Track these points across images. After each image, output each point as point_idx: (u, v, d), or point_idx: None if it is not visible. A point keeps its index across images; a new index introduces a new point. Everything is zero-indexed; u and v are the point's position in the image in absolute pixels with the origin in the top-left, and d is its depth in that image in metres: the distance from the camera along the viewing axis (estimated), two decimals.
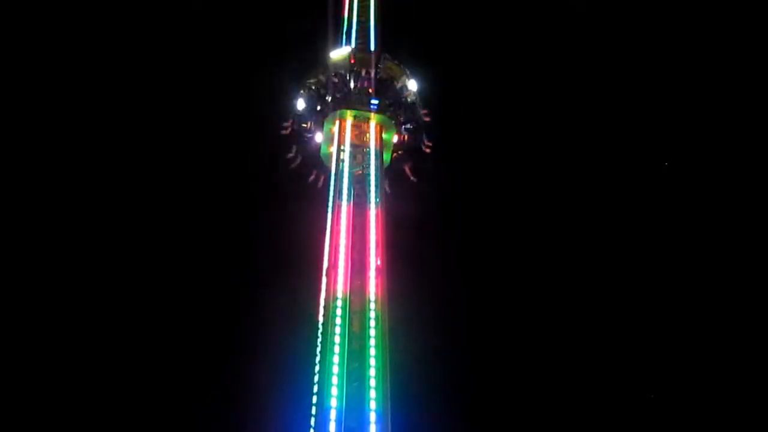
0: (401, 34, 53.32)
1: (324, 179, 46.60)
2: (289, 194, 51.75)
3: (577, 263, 63.37)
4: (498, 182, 67.91)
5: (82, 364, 51.94)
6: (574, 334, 58.14)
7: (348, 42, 50.50)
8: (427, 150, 48.95)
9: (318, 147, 47.67)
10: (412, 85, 48.89)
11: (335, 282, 35.03)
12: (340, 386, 30.62)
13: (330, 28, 51.40)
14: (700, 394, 54.44)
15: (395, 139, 47.82)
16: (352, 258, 36.90)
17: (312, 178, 47.98)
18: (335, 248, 37.31)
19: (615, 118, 70.61)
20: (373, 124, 46.44)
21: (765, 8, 66.04)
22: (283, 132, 48.67)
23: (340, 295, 34.47)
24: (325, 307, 34.91)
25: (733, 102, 67.97)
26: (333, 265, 36.09)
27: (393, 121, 47.49)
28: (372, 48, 50.11)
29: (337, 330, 32.67)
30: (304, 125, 48.98)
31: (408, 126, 48.76)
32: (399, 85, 48.74)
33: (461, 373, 52.70)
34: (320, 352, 32.80)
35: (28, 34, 65.31)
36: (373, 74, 48.06)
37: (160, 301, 55.46)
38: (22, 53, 64.88)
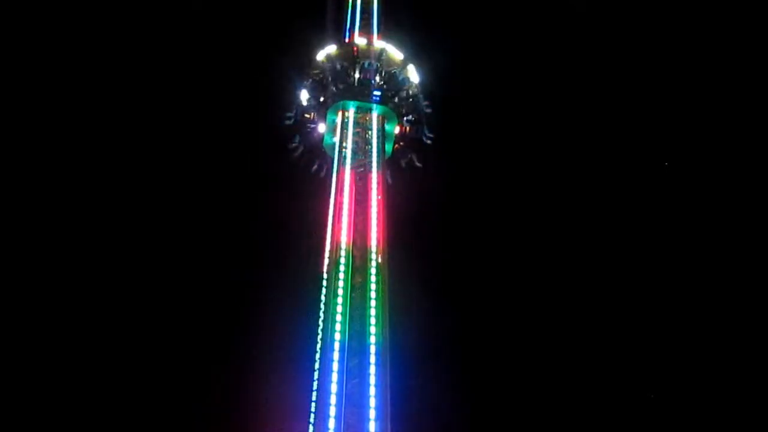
0: (404, 27, 52.95)
1: (327, 169, 47.33)
2: (291, 184, 52.30)
3: (576, 255, 63.93)
4: (497, 173, 68.51)
5: (85, 359, 53.54)
6: (573, 327, 58.64)
7: (351, 32, 50.89)
8: (429, 141, 49.62)
9: (321, 137, 48.38)
10: (414, 77, 49.29)
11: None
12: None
13: (330, 19, 51.87)
14: (700, 395, 54.82)
15: (397, 130, 48.58)
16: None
17: (315, 167, 48.81)
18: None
19: (615, 115, 70.61)
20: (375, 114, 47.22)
21: (764, 8, 65.82)
22: (287, 122, 49.21)
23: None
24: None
25: (732, 102, 67.84)
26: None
27: (395, 113, 48.23)
28: (375, 40, 50.40)
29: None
30: (307, 116, 49.54)
31: (410, 117, 49.33)
32: (401, 77, 49.15)
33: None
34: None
35: (43, 33, 65.46)
36: (375, 66, 48.51)
37: (159, 294, 56.63)
38: (44, 52, 65.24)
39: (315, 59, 49.15)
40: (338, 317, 33.77)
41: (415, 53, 50.15)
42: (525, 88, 70.74)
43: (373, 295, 35.48)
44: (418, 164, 49.31)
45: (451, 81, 60.24)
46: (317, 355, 33.42)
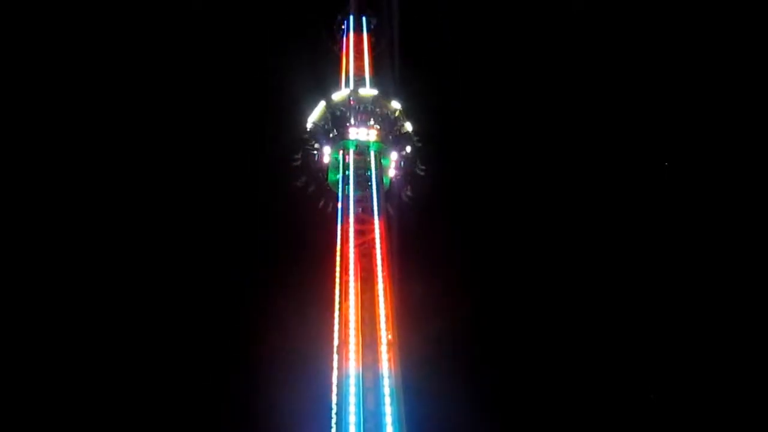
0: (394, 72, 59.23)
1: (333, 205, 53.64)
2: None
3: (578, 260, 65.38)
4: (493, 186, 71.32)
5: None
6: (576, 328, 59.93)
7: (347, 83, 57.61)
8: (421, 173, 56.00)
9: (326, 177, 54.80)
10: (405, 117, 55.89)
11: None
12: None
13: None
14: (700, 395, 55.35)
15: (392, 165, 55.12)
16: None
17: (321, 204, 55.07)
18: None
19: (612, 120, 72.25)
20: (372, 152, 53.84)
21: (763, 10, 66.91)
22: (294, 163, 55.66)
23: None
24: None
25: (732, 102, 68.65)
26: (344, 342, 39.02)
27: (389, 149, 54.85)
28: (368, 87, 57.32)
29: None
30: (313, 152, 55.86)
31: (403, 152, 55.75)
32: (393, 117, 55.75)
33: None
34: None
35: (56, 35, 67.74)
36: (370, 110, 55.29)
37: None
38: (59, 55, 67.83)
39: (317, 107, 55.86)
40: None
41: (405, 95, 56.82)
42: (513, 115, 74.51)
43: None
44: (410, 194, 55.63)
45: (438, 118, 65.38)
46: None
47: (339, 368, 37.52)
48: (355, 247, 44.56)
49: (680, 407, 54.93)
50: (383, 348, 38.17)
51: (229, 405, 53.78)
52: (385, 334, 39.03)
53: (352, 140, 54.17)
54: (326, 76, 59.56)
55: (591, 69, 75.02)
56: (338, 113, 55.28)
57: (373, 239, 45.00)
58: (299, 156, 55.65)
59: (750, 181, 65.61)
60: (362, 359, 37.32)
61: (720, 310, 59.90)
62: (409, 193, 55.38)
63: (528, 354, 58.78)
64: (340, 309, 40.96)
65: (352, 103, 54.98)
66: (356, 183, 51.49)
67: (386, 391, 35.74)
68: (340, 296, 41.67)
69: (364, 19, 64.43)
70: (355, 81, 57.99)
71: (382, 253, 43.80)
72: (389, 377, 36.55)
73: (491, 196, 69.49)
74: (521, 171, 72.01)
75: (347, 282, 42.04)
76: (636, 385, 57.00)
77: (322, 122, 55.31)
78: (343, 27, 64.40)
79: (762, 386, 54.17)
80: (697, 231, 64.49)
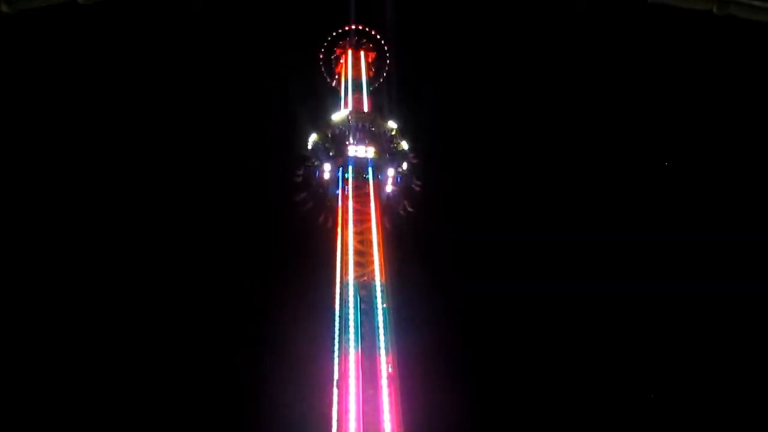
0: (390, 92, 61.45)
1: (332, 220, 56.48)
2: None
3: (576, 258, 67.71)
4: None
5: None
6: (575, 328, 61.86)
7: (346, 103, 60.06)
8: (417, 188, 58.77)
9: (326, 192, 57.56)
10: (402, 136, 58.49)
11: None
12: None
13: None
14: (700, 394, 56.80)
15: (390, 181, 57.92)
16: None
17: (321, 219, 57.93)
18: None
19: (612, 122, 74.04)
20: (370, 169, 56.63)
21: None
22: (297, 179, 58.33)
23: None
24: None
25: (732, 103, 69.83)
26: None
27: (387, 166, 57.60)
28: (366, 107, 59.79)
29: None
30: (314, 166, 58.53)
31: (399, 169, 58.44)
32: (390, 135, 58.30)
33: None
34: None
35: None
36: (369, 128, 57.80)
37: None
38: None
39: (319, 126, 58.40)
40: None
41: (401, 116, 59.42)
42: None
43: None
44: (410, 209, 58.49)
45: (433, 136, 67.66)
46: None
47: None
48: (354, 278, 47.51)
49: (679, 407, 57.13)
50: (383, 382, 40.97)
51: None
52: (385, 367, 41.87)
53: (351, 157, 56.91)
54: (327, 96, 61.62)
55: (590, 74, 76.36)
56: (338, 131, 57.87)
57: (373, 271, 47.88)
58: (301, 172, 58.43)
59: (750, 180, 67.51)
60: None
61: (718, 310, 61.78)
62: (406, 207, 58.31)
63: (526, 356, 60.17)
64: (339, 342, 43.51)
65: (350, 121, 57.34)
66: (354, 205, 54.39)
67: None
68: (340, 329, 44.24)
69: (362, 54, 66.59)
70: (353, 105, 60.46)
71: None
72: None
73: (489, 205, 71.81)
74: (520, 183, 74.36)
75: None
76: (635, 384, 59.78)
77: (323, 140, 57.94)
78: (341, 61, 66.54)
79: (762, 386, 55.69)
80: (695, 230, 65.76)
